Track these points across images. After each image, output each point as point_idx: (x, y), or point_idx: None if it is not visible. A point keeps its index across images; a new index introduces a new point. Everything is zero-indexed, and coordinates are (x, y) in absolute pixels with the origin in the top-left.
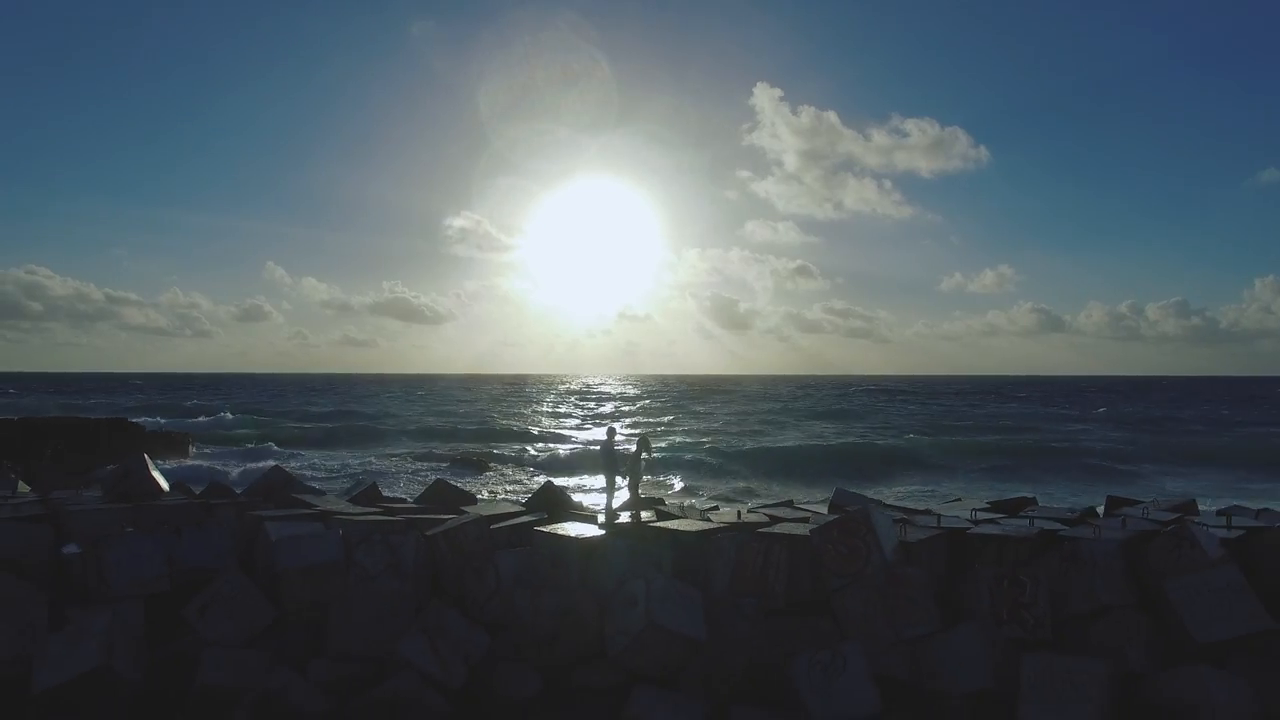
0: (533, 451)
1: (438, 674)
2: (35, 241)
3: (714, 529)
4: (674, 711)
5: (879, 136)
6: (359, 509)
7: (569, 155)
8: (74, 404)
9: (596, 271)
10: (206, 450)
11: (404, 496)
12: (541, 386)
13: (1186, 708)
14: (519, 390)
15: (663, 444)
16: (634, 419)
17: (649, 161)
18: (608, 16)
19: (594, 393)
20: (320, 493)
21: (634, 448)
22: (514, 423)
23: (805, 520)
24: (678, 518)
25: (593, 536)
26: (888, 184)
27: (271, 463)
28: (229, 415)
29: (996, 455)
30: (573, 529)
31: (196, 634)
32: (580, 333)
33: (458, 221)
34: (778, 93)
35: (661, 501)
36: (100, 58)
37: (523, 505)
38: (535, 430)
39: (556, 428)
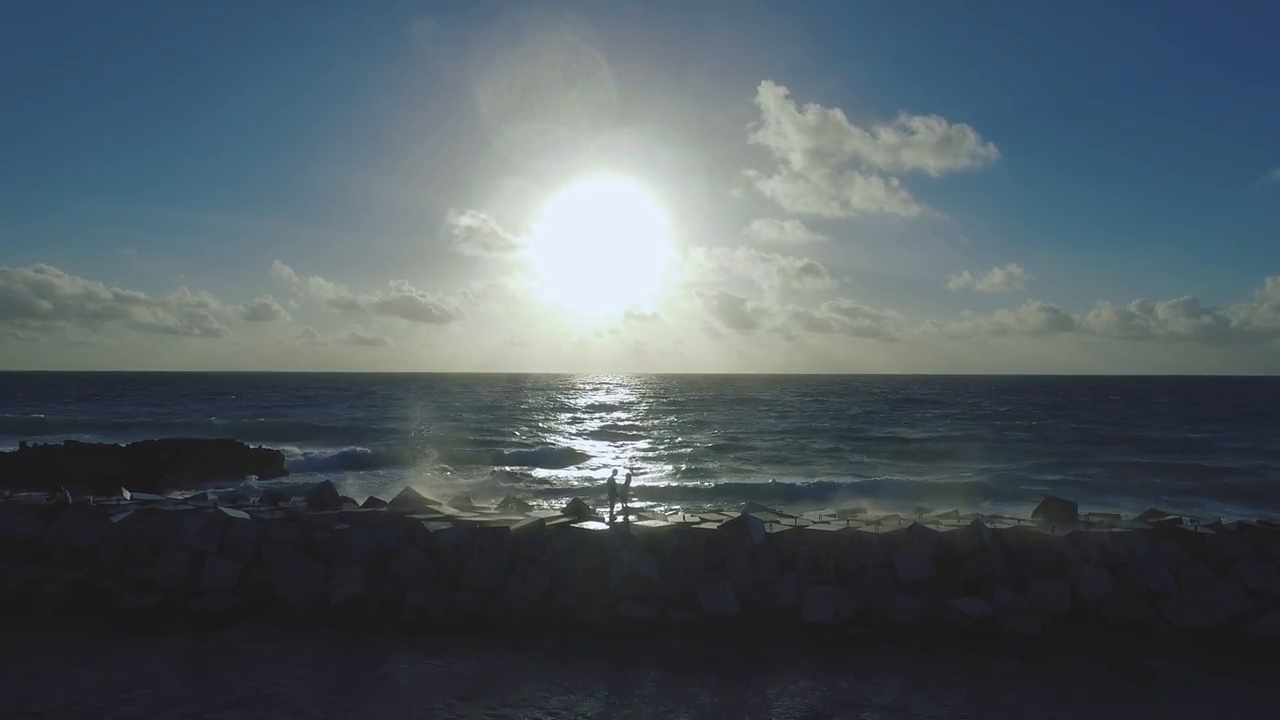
0: (563, 475)
1: (529, 594)
2: (44, 241)
3: (668, 526)
4: (641, 609)
5: (886, 134)
6: (467, 513)
7: (573, 154)
8: (157, 415)
9: (603, 270)
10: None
11: (486, 505)
12: (553, 393)
13: (880, 608)
14: (531, 397)
15: (659, 472)
16: (640, 442)
17: (654, 160)
18: (610, 15)
19: (604, 405)
20: (437, 502)
21: (624, 481)
22: (543, 442)
23: (720, 521)
24: (650, 519)
25: (603, 530)
26: (895, 182)
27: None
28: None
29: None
30: (592, 526)
31: (398, 580)
32: (588, 331)
33: (464, 220)
34: (783, 90)
35: (651, 512)
36: (106, 58)
37: (561, 512)
38: (560, 445)
39: (580, 448)
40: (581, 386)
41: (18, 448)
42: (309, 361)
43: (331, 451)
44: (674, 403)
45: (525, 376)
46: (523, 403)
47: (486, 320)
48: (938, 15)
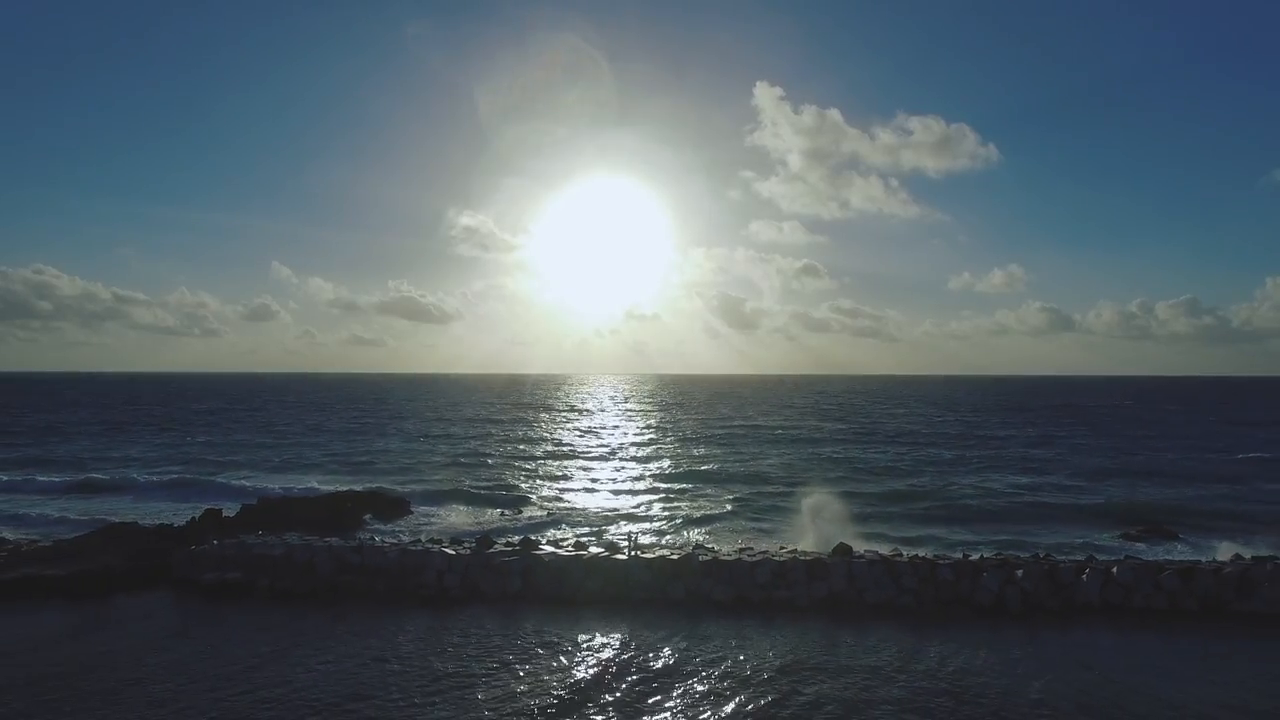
0: (598, 529)
1: (595, 588)
2: (44, 241)
3: (656, 557)
4: (643, 595)
5: (884, 135)
6: (561, 550)
7: (573, 155)
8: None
9: (603, 270)
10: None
11: (565, 538)
12: (562, 417)
13: (747, 594)
14: (543, 429)
15: (663, 521)
16: (659, 500)
17: (653, 161)
18: (609, 16)
19: (621, 444)
20: (540, 538)
21: (635, 539)
22: (576, 503)
23: (681, 554)
24: (647, 554)
25: (625, 559)
26: (894, 183)
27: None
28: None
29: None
30: (621, 558)
31: (534, 582)
32: (588, 331)
33: (463, 220)
34: (778, 91)
35: (647, 548)
36: (107, 60)
37: (604, 549)
38: (594, 508)
39: (610, 509)
40: (592, 402)
41: (256, 502)
42: (309, 362)
43: (434, 513)
44: (692, 436)
45: (525, 377)
46: (543, 440)
47: (487, 321)
48: (935, 14)
